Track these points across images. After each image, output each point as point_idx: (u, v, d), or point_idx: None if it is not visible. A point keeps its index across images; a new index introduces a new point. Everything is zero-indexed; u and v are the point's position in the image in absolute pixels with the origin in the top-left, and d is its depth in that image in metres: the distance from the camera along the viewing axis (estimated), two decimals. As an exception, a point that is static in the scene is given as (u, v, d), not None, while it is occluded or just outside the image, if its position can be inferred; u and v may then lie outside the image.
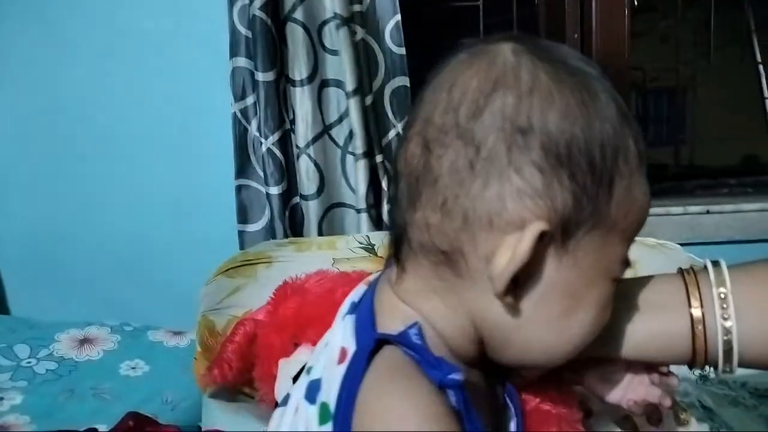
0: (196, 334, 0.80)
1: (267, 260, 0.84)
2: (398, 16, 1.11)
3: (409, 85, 1.14)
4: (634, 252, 0.79)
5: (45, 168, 1.23)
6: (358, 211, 1.08)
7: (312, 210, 1.08)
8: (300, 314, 0.60)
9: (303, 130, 1.08)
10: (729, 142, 1.91)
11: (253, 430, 0.64)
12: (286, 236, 1.07)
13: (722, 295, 0.41)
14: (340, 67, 1.07)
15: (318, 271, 0.69)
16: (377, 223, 1.10)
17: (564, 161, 0.33)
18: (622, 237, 0.37)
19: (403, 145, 0.38)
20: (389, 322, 0.36)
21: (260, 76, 1.08)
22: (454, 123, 0.34)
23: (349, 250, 0.85)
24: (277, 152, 1.09)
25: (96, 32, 1.20)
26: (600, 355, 0.44)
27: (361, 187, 1.07)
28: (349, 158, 1.10)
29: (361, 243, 0.88)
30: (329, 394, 0.34)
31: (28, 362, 0.94)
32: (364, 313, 0.37)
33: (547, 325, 0.36)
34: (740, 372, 0.70)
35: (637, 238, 0.83)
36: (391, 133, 1.15)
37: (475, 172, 0.33)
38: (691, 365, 0.43)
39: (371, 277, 0.43)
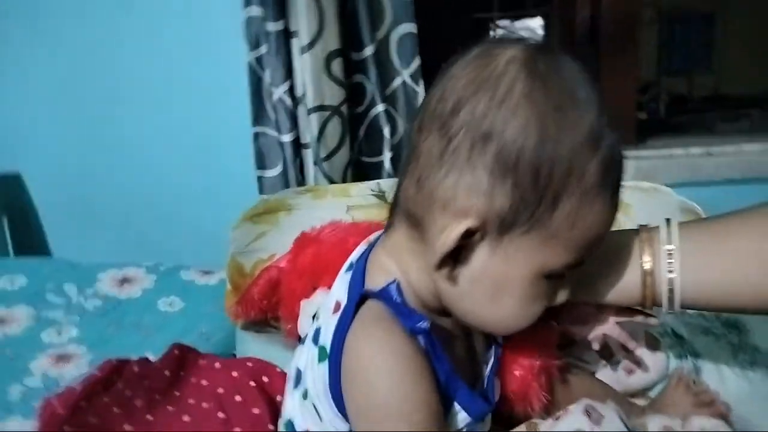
0: (226, 274, 0.89)
1: (287, 208, 0.91)
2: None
3: (416, 31, 1.18)
4: (628, 196, 0.87)
5: (80, 117, 1.31)
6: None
7: (309, 158, 1.15)
8: (316, 262, 0.67)
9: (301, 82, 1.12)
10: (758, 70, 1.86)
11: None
12: (297, 182, 1.14)
13: (669, 252, 0.48)
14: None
15: (331, 221, 0.76)
16: (378, 171, 1.16)
17: (510, 170, 0.38)
18: (567, 246, 0.41)
19: (413, 122, 0.44)
20: (375, 278, 0.44)
21: (270, 26, 1.11)
22: (439, 113, 0.40)
23: (362, 197, 0.91)
24: (288, 101, 1.14)
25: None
26: (576, 298, 0.52)
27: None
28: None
29: (372, 190, 0.94)
30: (326, 339, 0.43)
31: (78, 299, 1.04)
32: (358, 272, 0.46)
33: (480, 302, 0.43)
34: None
35: (631, 182, 0.90)
36: (396, 81, 1.19)
37: (442, 160, 0.39)
38: (642, 306, 0.51)
39: (372, 237, 0.50)
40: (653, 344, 0.68)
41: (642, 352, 0.68)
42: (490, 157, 0.38)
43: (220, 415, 0.66)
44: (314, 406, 0.45)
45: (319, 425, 0.45)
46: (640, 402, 0.66)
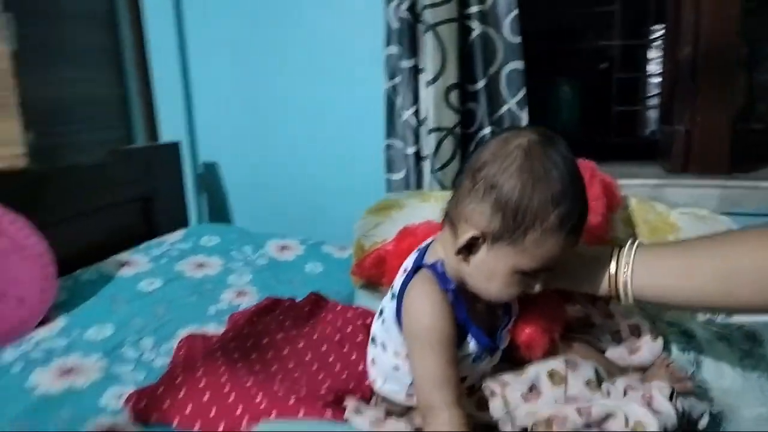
0: (353, 251, 1.22)
1: (399, 207, 1.22)
2: (516, 11, 1.36)
3: (522, 68, 1.41)
4: (682, 220, 1.08)
5: (259, 120, 1.70)
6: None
7: (427, 168, 1.42)
8: (411, 249, 0.82)
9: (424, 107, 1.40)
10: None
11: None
12: (417, 187, 1.44)
13: (627, 263, 0.71)
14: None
15: (427, 221, 1.02)
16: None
17: (502, 209, 0.64)
18: (533, 258, 0.65)
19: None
20: (430, 258, 0.73)
21: (403, 63, 1.40)
22: (473, 166, 0.68)
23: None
24: (413, 122, 1.43)
25: (288, 29, 1.63)
26: (564, 287, 0.76)
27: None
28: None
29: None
30: (396, 287, 0.73)
31: (251, 257, 1.43)
32: (420, 253, 0.75)
33: (479, 280, 0.69)
34: (737, 319, 0.97)
35: (689, 209, 1.12)
36: (503, 108, 1.44)
37: (469, 195, 0.67)
38: (610, 298, 0.74)
39: (438, 234, 0.79)
40: (653, 334, 0.89)
41: (645, 339, 0.89)
42: (493, 200, 0.65)
43: (337, 337, 0.99)
44: (387, 327, 0.75)
45: (389, 338, 0.75)
46: (637, 375, 0.86)
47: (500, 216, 0.64)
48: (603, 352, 0.89)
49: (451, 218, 0.70)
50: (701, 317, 1.03)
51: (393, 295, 0.74)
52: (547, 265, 0.67)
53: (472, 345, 0.72)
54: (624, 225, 1.14)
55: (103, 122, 1.70)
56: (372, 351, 0.80)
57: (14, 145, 1.38)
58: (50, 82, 1.53)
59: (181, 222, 1.65)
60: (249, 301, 1.20)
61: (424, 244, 0.78)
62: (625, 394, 0.73)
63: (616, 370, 0.83)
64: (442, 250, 0.73)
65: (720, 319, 1.02)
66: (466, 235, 0.66)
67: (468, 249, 0.67)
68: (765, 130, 1.73)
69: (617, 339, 0.90)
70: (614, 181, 1.10)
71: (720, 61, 1.40)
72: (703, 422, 0.73)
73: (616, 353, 0.88)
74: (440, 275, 0.70)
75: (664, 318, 1.00)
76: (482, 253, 0.67)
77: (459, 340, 0.70)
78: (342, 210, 1.50)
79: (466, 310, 0.71)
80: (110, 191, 1.45)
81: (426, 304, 0.68)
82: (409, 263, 0.75)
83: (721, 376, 0.89)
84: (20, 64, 1.36)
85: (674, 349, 0.91)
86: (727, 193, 1.39)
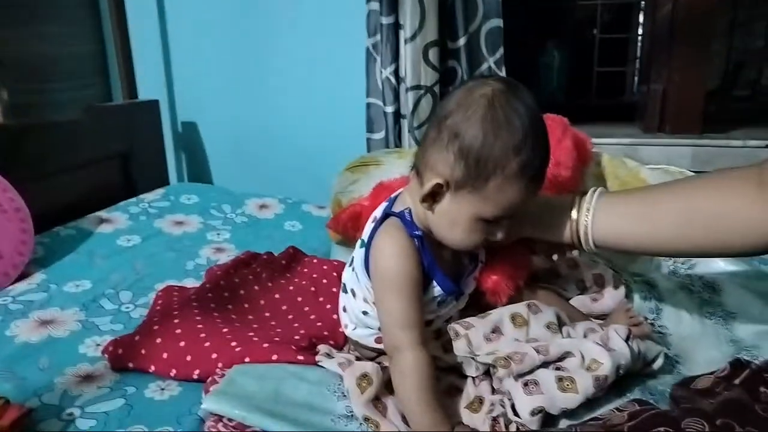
0: (330, 207, 1.24)
1: (377, 163, 1.23)
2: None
3: (502, 25, 1.41)
4: (653, 176, 1.11)
5: (241, 81, 1.69)
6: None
7: (406, 127, 1.42)
8: None
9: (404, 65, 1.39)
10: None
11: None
12: (396, 145, 1.45)
13: (587, 209, 0.73)
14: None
15: (402, 176, 1.04)
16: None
17: (464, 157, 0.65)
18: (494, 205, 0.66)
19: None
20: (399, 206, 0.74)
21: (383, 19, 1.39)
22: (439, 115, 0.69)
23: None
24: (392, 80, 1.42)
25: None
26: (529, 235, 0.79)
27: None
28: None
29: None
30: (365, 235, 0.75)
31: (230, 216, 1.44)
32: (390, 202, 0.76)
33: (443, 227, 0.71)
34: (699, 270, 1.00)
35: (662, 166, 1.15)
36: (483, 66, 1.44)
37: (434, 143, 0.68)
38: (572, 244, 0.76)
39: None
40: (616, 283, 0.92)
41: (607, 288, 0.92)
42: (456, 148, 0.66)
43: (312, 289, 1.02)
44: (356, 274, 0.77)
45: (358, 285, 0.77)
46: (599, 321, 0.90)
47: (463, 164, 0.65)
48: (568, 300, 0.92)
49: (417, 167, 0.72)
50: (665, 269, 1.07)
51: (362, 243, 0.76)
52: (509, 212, 0.68)
53: (437, 290, 0.74)
54: (595, 180, 1.16)
55: (81, 79, 1.68)
56: (343, 298, 0.82)
57: (-11, 102, 1.37)
58: (27, 38, 1.50)
59: (161, 181, 1.65)
60: (227, 257, 1.22)
61: (393, 194, 0.79)
62: (585, 336, 0.76)
63: (579, 317, 0.86)
64: (410, 198, 0.74)
65: (683, 270, 1.06)
66: (430, 182, 0.68)
67: (432, 197, 0.69)
68: (748, 96, 1.75)
69: (581, 288, 0.94)
70: (587, 137, 1.12)
71: (698, 21, 1.41)
72: (658, 363, 0.77)
73: (579, 301, 0.92)
74: (407, 222, 0.72)
75: (628, 269, 1.04)
76: (446, 201, 0.69)
77: (424, 285, 0.73)
78: (323, 169, 1.47)
79: (432, 256, 0.73)
80: (88, 148, 1.45)
81: (393, 249, 0.70)
82: (378, 212, 0.77)
83: (680, 322, 0.93)
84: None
85: (636, 298, 0.95)
86: (699, 152, 1.42)
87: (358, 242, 0.77)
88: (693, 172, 1.21)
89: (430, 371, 0.67)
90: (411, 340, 0.67)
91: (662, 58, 1.51)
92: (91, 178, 1.47)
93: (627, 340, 0.73)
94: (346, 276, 0.81)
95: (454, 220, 0.69)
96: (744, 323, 0.90)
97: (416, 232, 0.71)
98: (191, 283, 1.10)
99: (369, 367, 0.71)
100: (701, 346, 0.89)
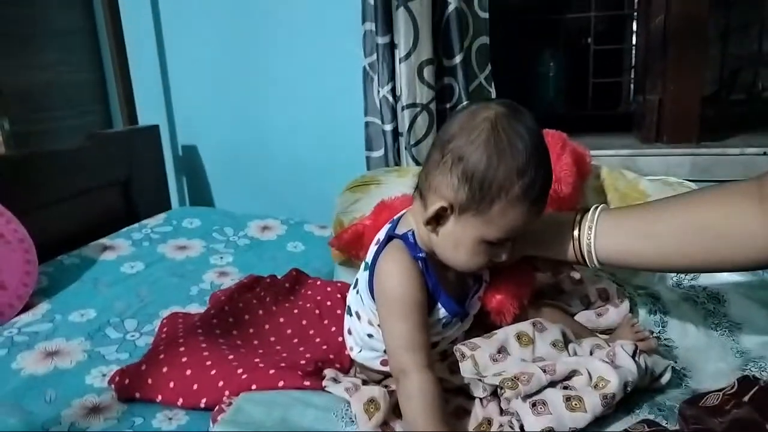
0: (332, 227, 1.24)
1: (377, 182, 1.24)
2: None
3: (488, 42, 1.42)
4: (651, 187, 1.12)
5: (238, 105, 1.69)
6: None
7: (403, 143, 1.43)
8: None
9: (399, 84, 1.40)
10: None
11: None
12: (395, 163, 1.45)
13: (590, 227, 0.73)
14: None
15: (404, 194, 1.03)
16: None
17: (468, 181, 0.65)
18: (498, 228, 0.67)
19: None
20: (402, 228, 0.75)
21: (379, 39, 1.40)
22: (442, 138, 0.69)
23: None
24: (390, 99, 1.43)
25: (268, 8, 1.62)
26: (532, 253, 0.79)
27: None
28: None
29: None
30: (369, 258, 0.75)
31: (233, 238, 1.45)
32: (393, 224, 0.77)
33: (447, 250, 0.71)
34: (702, 281, 1.00)
35: (661, 177, 1.16)
36: (474, 83, 1.45)
37: (438, 166, 0.68)
38: (575, 262, 0.76)
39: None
40: (620, 297, 0.92)
41: (612, 303, 0.92)
42: (460, 171, 0.66)
43: (316, 311, 1.02)
44: (360, 297, 0.77)
45: (362, 307, 0.78)
46: (605, 336, 0.90)
47: (467, 187, 0.66)
48: (573, 315, 0.92)
49: (421, 190, 0.72)
50: (669, 281, 1.07)
51: (366, 265, 0.76)
52: (512, 234, 0.69)
53: (442, 312, 0.74)
54: (595, 193, 1.17)
55: (81, 106, 1.69)
56: (348, 321, 0.82)
57: (-10, 133, 1.38)
58: (26, 66, 1.52)
59: (162, 205, 1.65)
60: (231, 281, 1.22)
61: (397, 216, 0.80)
62: (591, 353, 0.76)
63: (585, 332, 0.86)
64: (413, 220, 0.75)
65: (687, 281, 1.06)
66: (435, 205, 0.68)
67: (436, 219, 0.69)
68: (744, 100, 1.76)
69: (586, 303, 0.94)
70: (586, 151, 1.13)
71: (691, 29, 1.42)
72: (666, 377, 0.77)
73: (584, 316, 0.92)
74: (411, 245, 0.73)
75: (632, 282, 1.04)
76: (450, 224, 0.69)
77: (429, 307, 0.73)
78: (324, 189, 1.47)
79: (437, 278, 0.73)
80: (90, 176, 1.45)
81: (397, 272, 0.71)
82: (381, 234, 0.77)
83: (685, 334, 0.93)
84: (-8, 52, 1.35)
85: (641, 311, 0.95)
86: (697, 161, 1.43)
87: (362, 265, 0.78)
88: (691, 181, 1.21)
89: (437, 393, 0.67)
90: (417, 363, 0.67)
91: (657, 67, 1.52)
92: (94, 205, 1.48)
93: (634, 356, 0.72)
94: (351, 298, 0.81)
95: (458, 243, 0.70)
96: (750, 334, 0.90)
97: (420, 255, 0.72)
98: (195, 308, 1.10)
99: (376, 391, 0.71)
100: (708, 358, 0.89)
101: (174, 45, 1.72)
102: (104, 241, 1.35)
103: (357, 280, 0.80)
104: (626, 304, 0.91)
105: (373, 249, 0.76)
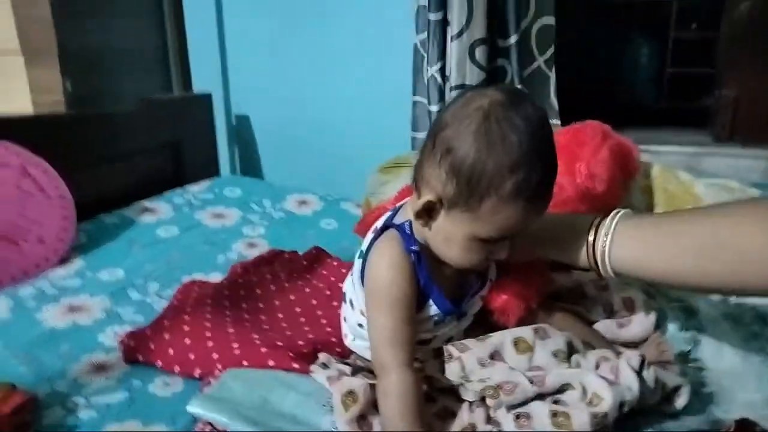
0: (361, 208, 1.22)
1: (409, 165, 1.20)
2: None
3: (554, 23, 1.33)
4: (710, 193, 1.02)
5: (293, 76, 1.71)
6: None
7: None
8: None
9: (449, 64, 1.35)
10: None
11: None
12: None
13: (606, 233, 0.66)
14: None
15: None
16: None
17: (456, 174, 0.60)
18: (489, 226, 0.61)
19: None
20: (400, 218, 0.71)
21: (431, 16, 1.36)
22: (435, 128, 0.64)
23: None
24: (438, 78, 1.39)
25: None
26: (542, 255, 0.73)
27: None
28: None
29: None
30: (364, 245, 0.72)
31: (269, 210, 1.46)
32: (393, 212, 0.73)
33: (439, 244, 0.66)
34: (752, 299, 0.91)
35: (721, 181, 1.05)
36: (533, 66, 1.37)
37: (429, 158, 0.63)
38: (588, 269, 0.70)
39: None
40: (647, 309, 0.84)
41: (637, 314, 0.85)
42: (448, 164, 0.61)
43: (327, 293, 1.00)
44: (354, 285, 0.75)
45: (355, 296, 0.75)
46: (622, 349, 0.82)
47: (455, 181, 0.61)
48: (592, 323, 0.85)
49: (415, 182, 0.68)
50: (713, 295, 0.97)
51: (361, 253, 0.73)
52: (507, 233, 0.63)
53: (433, 309, 0.70)
54: (641, 193, 1.08)
55: (141, 71, 1.75)
56: (343, 308, 0.80)
57: (53, 93, 1.45)
58: (89, 30, 1.58)
59: (211, 173, 1.69)
60: (258, 252, 1.22)
61: (399, 203, 0.76)
62: (597, 366, 0.70)
63: (601, 343, 0.79)
64: (411, 211, 0.71)
65: (734, 298, 0.95)
66: (423, 198, 0.64)
67: (428, 213, 0.65)
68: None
69: (609, 311, 0.87)
70: (634, 146, 1.04)
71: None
72: (682, 401, 0.69)
73: (604, 326, 0.85)
74: (407, 235, 0.69)
75: (668, 293, 0.95)
76: (440, 219, 0.65)
77: (420, 303, 0.69)
78: (368, 167, 1.46)
79: (430, 272, 0.69)
80: (139, 139, 1.50)
81: (387, 263, 0.67)
82: (380, 222, 0.74)
83: (720, 356, 0.84)
84: (59, 14, 1.41)
85: (672, 326, 0.87)
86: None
87: (358, 252, 0.75)
88: (761, 188, 1.09)
89: (415, 393, 0.63)
90: (397, 360, 0.64)
91: (740, 61, 1.37)
92: (142, 168, 1.52)
93: (640, 370, 0.66)
94: (347, 285, 0.79)
95: (449, 238, 0.65)
96: (796, 367, 0.80)
97: (413, 247, 0.68)
98: (217, 277, 1.11)
99: (356, 384, 0.68)
100: (742, 386, 0.80)
101: (233, 16, 1.73)
102: (145, 203, 1.39)
103: (353, 266, 0.77)
104: (652, 317, 0.83)
105: (369, 236, 0.73)
